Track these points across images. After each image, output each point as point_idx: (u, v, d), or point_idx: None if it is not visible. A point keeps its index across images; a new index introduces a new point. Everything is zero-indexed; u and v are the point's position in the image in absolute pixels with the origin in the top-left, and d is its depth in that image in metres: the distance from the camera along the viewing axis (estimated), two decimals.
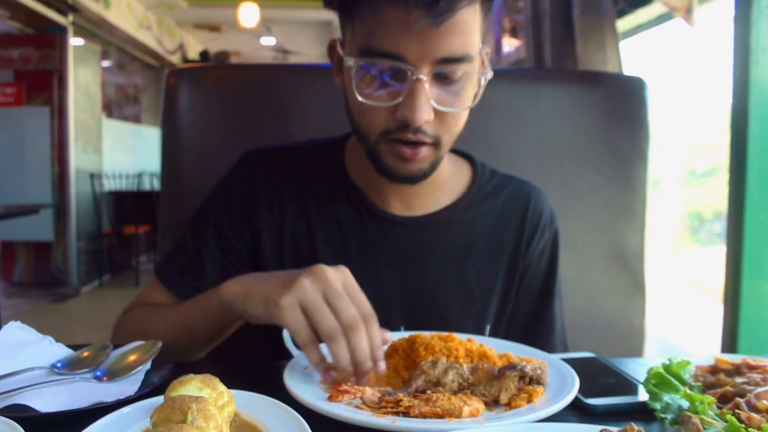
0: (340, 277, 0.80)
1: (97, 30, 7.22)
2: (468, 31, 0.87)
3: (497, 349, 0.88)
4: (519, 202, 1.12)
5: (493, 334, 1.10)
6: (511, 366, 0.75)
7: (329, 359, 0.79)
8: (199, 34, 10.22)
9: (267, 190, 1.09)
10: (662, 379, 0.74)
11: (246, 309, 0.85)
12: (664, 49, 2.45)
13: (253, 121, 1.41)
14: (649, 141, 1.45)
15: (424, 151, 0.92)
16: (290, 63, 10.65)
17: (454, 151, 1.12)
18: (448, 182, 1.10)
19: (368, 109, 0.91)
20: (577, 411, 0.76)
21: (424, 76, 0.86)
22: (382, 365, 0.79)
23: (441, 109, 0.89)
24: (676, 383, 0.73)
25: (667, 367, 0.77)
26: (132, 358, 0.85)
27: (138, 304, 1.09)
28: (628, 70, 1.95)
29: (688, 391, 0.70)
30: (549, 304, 1.14)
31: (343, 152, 1.11)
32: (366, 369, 0.77)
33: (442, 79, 0.89)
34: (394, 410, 0.70)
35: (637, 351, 1.42)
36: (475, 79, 0.92)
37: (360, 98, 0.90)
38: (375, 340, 0.78)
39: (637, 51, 2.21)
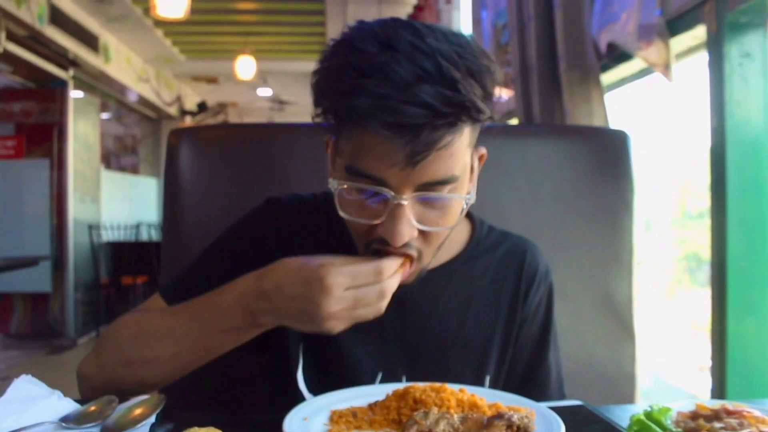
0: (336, 279, 0.86)
1: (97, 83, 7.36)
2: (454, 155, 0.88)
3: (488, 399, 0.92)
4: (516, 257, 1.16)
5: (493, 384, 1.13)
6: (499, 415, 0.79)
7: None
8: (196, 86, 10.40)
9: (283, 238, 1.12)
10: (643, 426, 0.78)
11: (261, 310, 0.91)
12: (648, 100, 2.53)
13: (251, 178, 1.47)
14: (633, 191, 1.50)
15: (406, 267, 0.93)
16: (287, 122, 10.79)
17: None
18: (448, 239, 1.10)
19: (351, 221, 0.94)
20: None
21: (406, 201, 0.87)
22: None
23: (423, 229, 0.91)
24: (657, 429, 0.77)
25: (648, 414, 0.81)
26: (137, 411, 0.88)
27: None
28: (613, 122, 2.02)
29: None
30: (545, 354, 1.18)
31: None
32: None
33: (422, 200, 0.90)
34: None
35: (628, 397, 1.45)
36: (458, 198, 0.92)
37: (342, 214, 0.92)
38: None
39: (622, 103, 2.29)
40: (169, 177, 1.49)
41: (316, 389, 1.07)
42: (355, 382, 1.02)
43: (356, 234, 0.96)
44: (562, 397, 1.19)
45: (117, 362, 1.05)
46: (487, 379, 1.13)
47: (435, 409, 0.82)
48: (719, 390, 1.41)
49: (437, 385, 0.91)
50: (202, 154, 1.51)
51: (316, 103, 0.93)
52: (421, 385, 0.92)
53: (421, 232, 0.92)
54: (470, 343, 1.12)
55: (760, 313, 1.42)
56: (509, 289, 1.15)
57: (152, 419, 0.87)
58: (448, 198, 0.90)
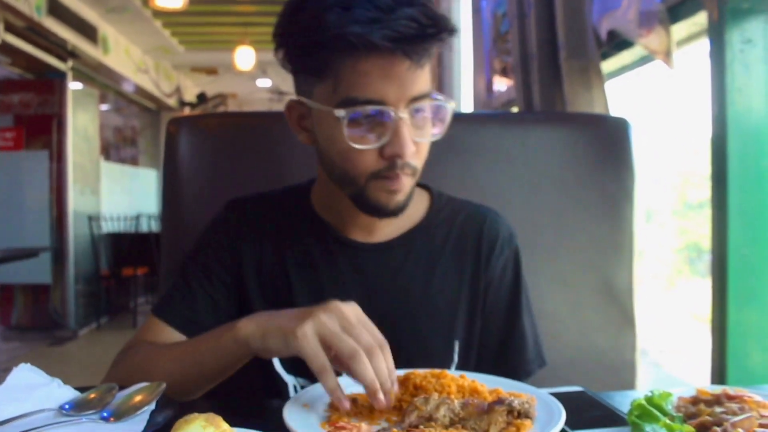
0: (353, 310, 0.88)
1: (96, 74, 7.34)
2: (428, 71, 1.00)
3: (488, 385, 0.92)
4: (475, 223, 1.20)
5: (465, 351, 1.16)
6: (500, 401, 0.79)
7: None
8: (195, 77, 10.37)
9: (247, 236, 1.18)
10: (644, 411, 0.78)
11: (264, 344, 0.90)
12: (649, 87, 2.52)
13: (249, 166, 1.47)
14: (634, 180, 1.50)
15: (405, 181, 1.02)
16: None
17: None
18: (408, 209, 1.16)
19: (357, 154, 0.99)
20: None
21: (405, 115, 0.96)
22: (396, 388, 0.86)
23: (418, 141, 1.00)
24: (658, 414, 0.77)
25: (649, 399, 0.81)
26: (137, 398, 0.88)
27: (135, 344, 1.13)
28: (614, 110, 2.01)
29: (668, 422, 0.73)
30: (518, 319, 1.19)
31: (309, 194, 1.20)
32: (388, 388, 0.83)
33: (414, 114, 0.99)
34: None
35: (628, 384, 1.45)
36: (433, 110, 1.03)
37: (353, 144, 0.98)
38: (390, 364, 0.85)
39: (623, 90, 2.28)
40: (168, 166, 1.49)
41: (287, 365, 1.11)
42: None
43: (361, 167, 1.01)
44: (543, 363, 1.20)
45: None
46: (456, 344, 1.15)
47: (435, 395, 0.82)
48: (719, 377, 1.41)
49: (437, 371, 0.91)
50: (201, 143, 1.51)
51: (293, 57, 1.03)
52: (421, 371, 0.92)
53: (416, 148, 1.00)
54: (436, 311, 1.15)
55: (760, 302, 1.41)
56: (471, 256, 1.18)
57: (152, 406, 0.87)
58: (436, 105, 1.02)
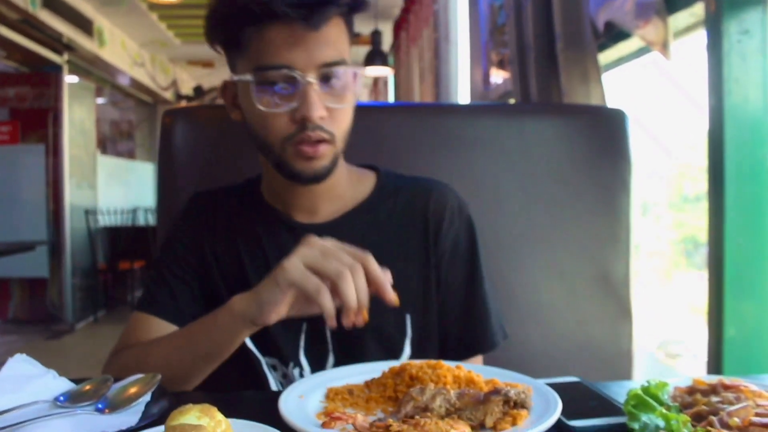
0: (329, 241, 0.93)
1: (92, 68, 7.31)
2: (339, 41, 1.05)
3: (484, 375, 0.91)
4: (420, 198, 1.20)
5: (423, 325, 1.17)
6: (496, 391, 0.79)
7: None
8: (192, 69, 10.34)
9: (205, 227, 1.21)
10: (640, 400, 0.78)
11: (258, 303, 0.94)
12: (646, 80, 2.52)
13: (244, 157, 1.46)
14: (631, 171, 1.50)
15: (323, 148, 1.05)
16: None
17: (363, 165, 1.25)
18: (350, 190, 1.20)
19: (269, 119, 1.04)
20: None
21: (313, 80, 1.01)
22: (391, 296, 0.93)
23: (331, 106, 1.04)
24: (654, 404, 0.77)
25: (645, 389, 0.81)
26: (132, 390, 0.88)
27: (124, 344, 1.14)
28: (611, 102, 2.01)
29: (665, 411, 0.73)
30: (478, 290, 1.20)
31: (260, 184, 1.23)
32: (364, 305, 0.90)
33: (326, 81, 1.04)
34: None
35: (625, 374, 1.45)
36: (350, 79, 1.07)
37: (261, 107, 1.03)
38: (377, 273, 0.91)
39: (620, 82, 2.27)
40: (163, 158, 1.48)
41: (257, 342, 1.14)
42: (281, 334, 1.13)
43: (274, 131, 1.05)
44: (505, 335, 1.21)
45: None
46: (408, 318, 1.16)
47: (431, 386, 0.82)
48: (715, 368, 1.42)
49: (433, 362, 0.91)
50: (197, 135, 1.50)
51: (213, 33, 1.09)
52: (417, 362, 0.92)
53: (330, 115, 1.05)
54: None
55: (756, 292, 1.41)
56: (417, 230, 1.19)
57: (147, 397, 0.86)
58: (343, 72, 1.05)
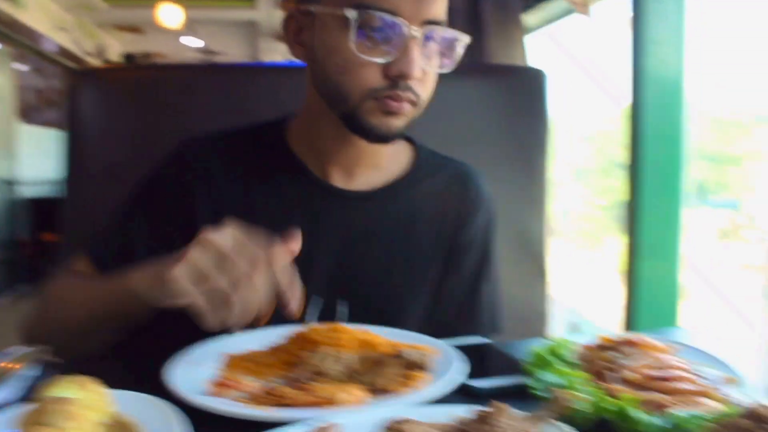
0: (228, 237, 0.77)
1: (9, 31, 6.93)
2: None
3: (391, 338, 0.88)
4: (460, 181, 1.15)
5: (431, 311, 1.12)
6: (394, 353, 0.76)
7: None
8: (120, 35, 9.93)
9: (204, 176, 1.07)
10: (542, 359, 0.76)
11: (150, 292, 0.82)
12: (571, 43, 2.52)
13: (164, 122, 1.37)
14: (548, 131, 1.48)
15: (407, 108, 0.96)
16: (200, 63, 10.48)
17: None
18: (390, 159, 1.12)
19: (358, 66, 0.93)
20: (463, 394, 0.77)
21: (418, 33, 0.91)
22: (294, 304, 0.77)
23: (426, 68, 0.95)
24: (555, 361, 0.75)
25: (548, 347, 0.79)
26: (16, 365, 0.82)
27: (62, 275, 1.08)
28: (534, 63, 1.99)
29: (562, 368, 0.71)
30: (480, 285, 1.16)
31: (284, 130, 1.11)
32: (264, 312, 0.75)
33: (428, 39, 0.94)
34: (276, 402, 0.69)
35: (539, 334, 1.45)
36: (449, 43, 0.98)
37: (358, 53, 0.91)
38: (281, 281, 0.76)
39: (544, 44, 2.26)
40: (70, 124, 1.37)
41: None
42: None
43: (359, 81, 0.94)
44: (494, 329, 1.18)
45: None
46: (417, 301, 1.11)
47: (327, 349, 0.78)
48: (630, 324, 1.44)
49: (336, 325, 0.87)
50: (107, 98, 1.39)
51: None
52: (320, 326, 0.88)
53: (423, 76, 0.95)
54: (412, 267, 1.10)
55: (669, 252, 1.43)
56: (452, 214, 1.13)
57: (34, 371, 0.80)
58: (450, 38, 0.97)
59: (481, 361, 0.87)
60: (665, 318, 1.42)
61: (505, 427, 0.55)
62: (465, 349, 0.90)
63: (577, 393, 0.65)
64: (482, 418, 0.57)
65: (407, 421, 0.54)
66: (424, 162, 1.15)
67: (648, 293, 1.41)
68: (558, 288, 1.61)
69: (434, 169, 1.15)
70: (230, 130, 1.13)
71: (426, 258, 1.11)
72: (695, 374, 0.75)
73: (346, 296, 1.06)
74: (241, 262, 0.75)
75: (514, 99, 1.47)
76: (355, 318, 1.02)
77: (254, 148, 1.10)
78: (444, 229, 1.13)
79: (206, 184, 1.07)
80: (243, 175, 1.08)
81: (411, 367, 0.76)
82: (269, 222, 1.02)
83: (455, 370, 0.77)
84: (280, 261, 0.77)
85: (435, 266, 1.12)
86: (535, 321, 1.45)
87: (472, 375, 0.79)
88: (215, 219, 1.01)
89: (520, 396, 0.73)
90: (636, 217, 1.44)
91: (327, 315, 1.04)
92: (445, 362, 0.81)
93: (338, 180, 1.08)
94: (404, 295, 1.10)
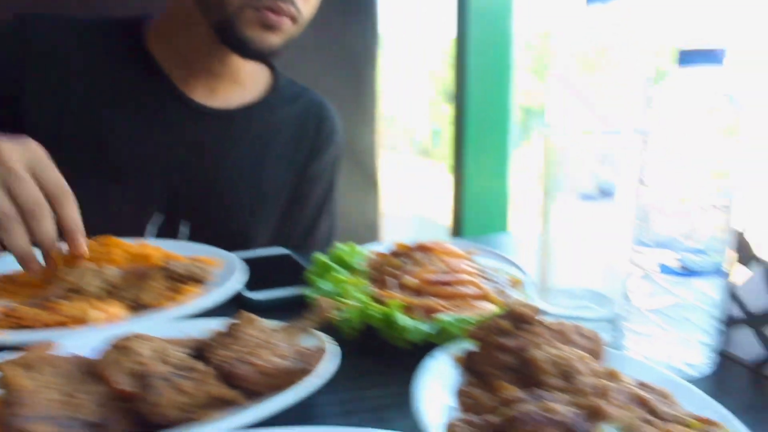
0: (23, 154, 0.67)
1: None
2: None
3: (178, 252, 0.81)
4: (316, 112, 1.14)
5: (275, 240, 1.10)
6: (160, 266, 0.69)
7: None
8: None
9: (45, 58, 0.97)
10: (324, 266, 0.72)
11: None
12: None
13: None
14: (377, 41, 1.44)
15: (287, 24, 0.91)
16: None
17: None
18: (250, 80, 1.08)
19: None
20: (240, 306, 0.72)
21: None
22: (83, 247, 0.70)
23: None
24: (336, 268, 0.71)
25: (334, 255, 0.75)
26: None
27: None
28: None
29: (342, 276, 0.68)
30: (320, 220, 1.16)
31: (142, 32, 1.01)
32: (48, 250, 0.67)
33: None
34: (13, 324, 0.60)
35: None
36: None
37: None
38: (69, 218, 0.68)
39: None
40: None
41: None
42: (130, 219, 0.97)
43: None
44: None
45: None
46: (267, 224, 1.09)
47: (89, 264, 0.70)
48: (457, 229, 1.46)
49: (109, 238, 0.79)
50: None
51: None
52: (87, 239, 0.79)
53: None
54: (260, 193, 1.07)
55: (495, 156, 1.44)
56: (307, 144, 1.12)
57: None
58: None
59: (273, 272, 0.83)
60: (493, 224, 1.44)
61: (248, 339, 0.51)
62: (259, 261, 0.85)
63: (344, 301, 0.61)
64: (228, 331, 0.52)
65: (136, 337, 0.48)
66: (283, 88, 1.12)
67: (476, 200, 1.42)
68: (392, 199, 1.59)
69: (292, 98, 1.12)
70: (84, 19, 1.03)
71: (275, 185, 1.09)
72: (486, 279, 0.74)
73: (190, 216, 1.01)
74: (28, 188, 0.65)
75: (345, 10, 1.39)
76: (197, 239, 0.95)
77: (109, 43, 1.00)
78: (296, 158, 1.11)
79: (45, 67, 0.96)
80: (92, 68, 0.98)
81: (180, 280, 0.69)
82: (113, 125, 0.97)
83: (231, 283, 0.71)
84: (72, 203, 0.68)
85: (283, 195, 1.10)
86: (365, 232, 1.44)
87: (261, 287, 0.75)
88: (54, 106, 0.96)
89: (301, 307, 0.68)
90: (464, 129, 1.43)
91: (169, 234, 0.99)
92: (226, 274, 0.75)
93: (197, 94, 1.02)
94: (249, 221, 1.06)
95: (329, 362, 0.50)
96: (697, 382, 0.57)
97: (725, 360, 0.62)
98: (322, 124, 1.14)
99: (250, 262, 0.84)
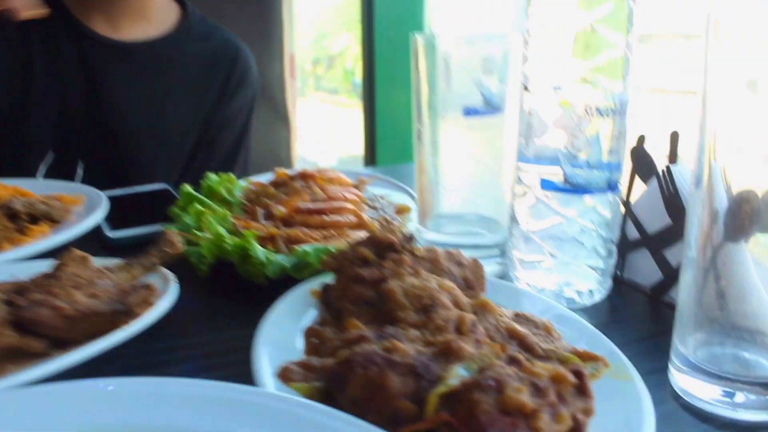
0: None
1: None
2: None
3: (33, 190, 0.72)
4: (229, 53, 1.08)
5: (181, 179, 1.03)
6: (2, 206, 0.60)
7: None
8: None
9: None
10: (190, 196, 0.64)
11: None
12: None
13: None
14: None
15: None
16: None
17: None
18: (158, 14, 1.02)
19: None
20: (99, 244, 0.65)
21: None
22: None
23: None
24: (201, 198, 0.64)
25: (205, 186, 0.68)
26: None
27: None
28: None
29: (199, 208, 0.60)
30: (234, 161, 1.12)
31: None
32: None
33: None
34: None
35: None
36: None
37: None
38: None
39: None
40: None
41: None
42: (20, 158, 0.94)
43: None
44: None
45: None
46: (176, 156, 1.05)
47: None
48: (370, 158, 1.41)
49: None
50: None
51: None
52: None
53: None
54: (166, 134, 1.02)
55: (404, 84, 1.38)
56: (217, 84, 1.06)
57: None
58: None
59: (146, 209, 0.75)
60: (408, 154, 1.40)
61: (69, 279, 0.43)
62: (140, 195, 0.78)
63: (197, 234, 0.54)
64: (52, 272, 0.45)
65: None
66: (193, 25, 1.06)
67: (387, 130, 1.37)
68: (305, 133, 1.52)
69: (202, 36, 1.06)
70: None
71: (179, 127, 1.03)
72: (371, 207, 0.68)
73: (86, 156, 0.96)
74: None
75: None
76: (93, 180, 0.88)
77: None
78: (205, 99, 1.05)
79: None
80: (21, 24, 0.95)
81: (27, 219, 0.61)
82: (8, 55, 0.94)
83: (86, 222, 0.63)
84: None
85: (189, 137, 1.05)
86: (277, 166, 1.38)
87: (131, 225, 0.67)
88: None
89: None
90: (374, 57, 1.36)
91: (65, 175, 0.93)
92: (87, 213, 0.67)
93: (98, 26, 0.97)
94: (149, 164, 1.01)
95: (160, 303, 0.43)
96: (590, 311, 0.53)
97: (621, 286, 0.57)
98: (235, 65, 1.09)
99: (123, 199, 0.76)
